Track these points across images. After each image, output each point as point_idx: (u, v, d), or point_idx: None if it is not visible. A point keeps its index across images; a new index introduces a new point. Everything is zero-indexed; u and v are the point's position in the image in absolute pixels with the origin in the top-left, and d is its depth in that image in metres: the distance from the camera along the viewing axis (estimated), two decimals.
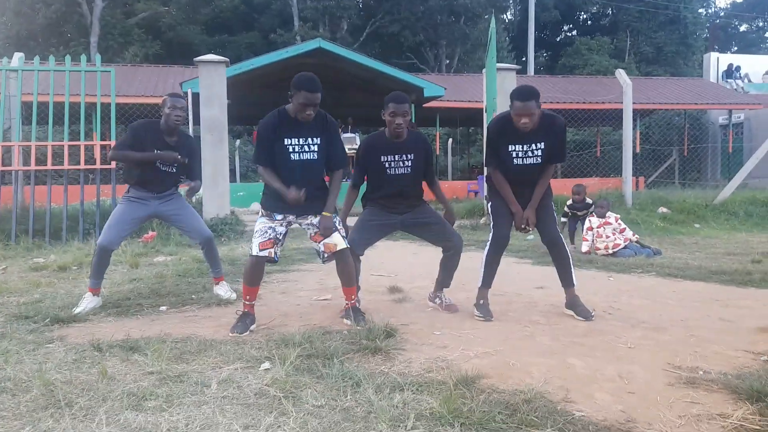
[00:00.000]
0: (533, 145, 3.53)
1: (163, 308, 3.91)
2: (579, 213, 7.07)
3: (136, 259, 5.78)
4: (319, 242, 3.44)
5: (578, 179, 15.49)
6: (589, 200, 7.14)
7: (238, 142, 20.86)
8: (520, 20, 33.61)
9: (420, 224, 3.88)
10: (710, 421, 2.08)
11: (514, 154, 3.56)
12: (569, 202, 7.16)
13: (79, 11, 26.51)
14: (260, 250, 3.31)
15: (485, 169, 3.69)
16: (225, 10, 32.51)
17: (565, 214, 7.03)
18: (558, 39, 38.69)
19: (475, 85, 15.51)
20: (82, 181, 7.71)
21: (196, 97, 9.84)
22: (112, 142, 8.19)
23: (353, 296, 3.56)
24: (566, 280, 3.74)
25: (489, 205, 3.74)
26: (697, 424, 2.06)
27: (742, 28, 43.46)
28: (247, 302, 3.37)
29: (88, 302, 3.80)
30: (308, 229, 3.49)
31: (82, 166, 7.86)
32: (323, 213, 3.40)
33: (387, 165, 3.71)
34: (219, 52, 29.90)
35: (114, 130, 8.36)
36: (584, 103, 16.60)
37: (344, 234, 3.50)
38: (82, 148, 7.86)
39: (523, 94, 3.38)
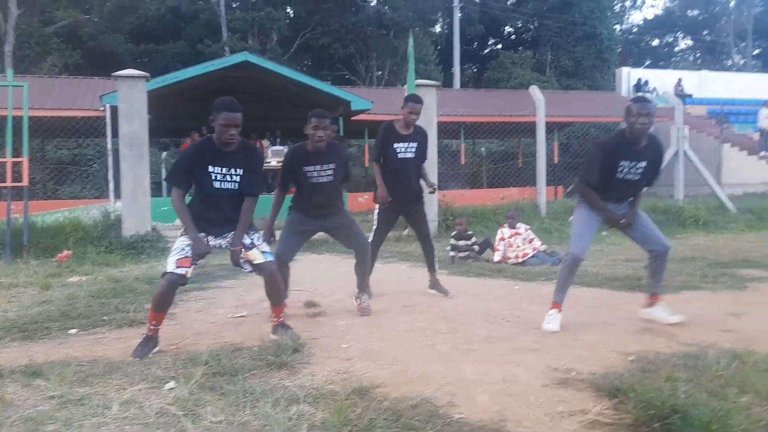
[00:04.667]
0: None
1: (73, 331, 3.88)
2: (459, 244, 7.00)
3: (47, 280, 5.63)
4: (239, 253, 3.49)
5: (501, 189, 16.14)
6: (470, 232, 7.18)
7: (164, 154, 20.39)
8: (448, 34, 34.51)
9: (336, 227, 4.39)
10: (572, 416, 2.35)
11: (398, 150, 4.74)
12: (454, 232, 7.19)
13: None
14: (177, 267, 3.30)
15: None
16: (150, 19, 31.67)
17: (452, 247, 7.00)
18: (485, 52, 39.99)
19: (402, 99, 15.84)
20: None
21: (115, 110, 9.64)
22: (24, 159, 7.94)
23: (281, 314, 3.67)
24: (431, 267, 5.05)
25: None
26: (560, 420, 2.32)
27: (654, 43, 46.39)
28: (152, 327, 3.36)
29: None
30: (229, 246, 3.52)
31: None
32: (231, 248, 3.47)
33: (310, 174, 4.13)
34: (144, 61, 29.19)
35: (26, 146, 8.09)
36: (506, 116, 17.30)
37: (265, 249, 3.55)
38: None
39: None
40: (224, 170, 3.42)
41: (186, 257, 3.35)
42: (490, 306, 4.53)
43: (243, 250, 3.46)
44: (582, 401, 2.49)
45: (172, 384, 2.70)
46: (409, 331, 3.81)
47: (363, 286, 4.43)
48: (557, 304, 3.83)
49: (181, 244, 3.41)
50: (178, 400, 2.49)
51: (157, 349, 3.33)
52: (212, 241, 3.54)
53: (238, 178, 3.45)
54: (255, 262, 3.47)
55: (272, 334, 3.57)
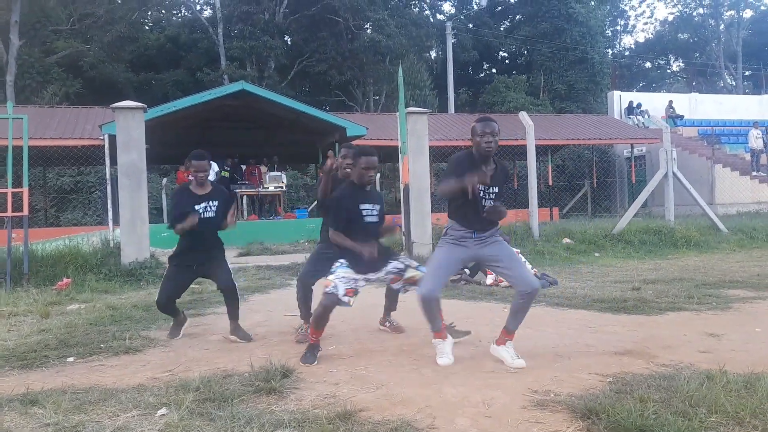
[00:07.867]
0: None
1: (71, 359, 3.98)
2: None
3: (47, 308, 5.73)
4: (399, 282, 4.01)
5: None
6: None
7: (165, 180, 20.57)
8: (444, 58, 35.03)
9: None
10: None
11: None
12: None
13: None
14: (345, 294, 3.75)
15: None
16: (150, 48, 32.23)
17: None
18: (479, 76, 40.51)
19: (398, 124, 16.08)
20: None
21: (113, 139, 9.82)
22: (25, 189, 8.09)
23: None
24: (234, 315, 4.54)
25: None
26: None
27: (647, 65, 47.01)
28: (313, 339, 3.84)
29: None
30: (386, 277, 4.01)
31: None
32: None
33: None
34: (145, 90, 29.58)
35: (26, 177, 8.25)
36: (500, 139, 17.51)
37: (415, 264, 4.03)
38: None
39: None
40: (368, 206, 3.94)
41: (351, 288, 3.79)
42: (477, 329, 4.62)
43: (401, 279, 3.98)
44: (557, 422, 2.59)
45: (163, 410, 2.80)
46: (396, 355, 3.91)
47: (394, 308, 4.71)
48: (438, 333, 3.76)
49: (348, 275, 3.81)
50: (169, 426, 2.59)
51: (321, 352, 3.84)
52: (372, 278, 3.95)
53: (376, 211, 3.97)
54: (417, 279, 3.88)
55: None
